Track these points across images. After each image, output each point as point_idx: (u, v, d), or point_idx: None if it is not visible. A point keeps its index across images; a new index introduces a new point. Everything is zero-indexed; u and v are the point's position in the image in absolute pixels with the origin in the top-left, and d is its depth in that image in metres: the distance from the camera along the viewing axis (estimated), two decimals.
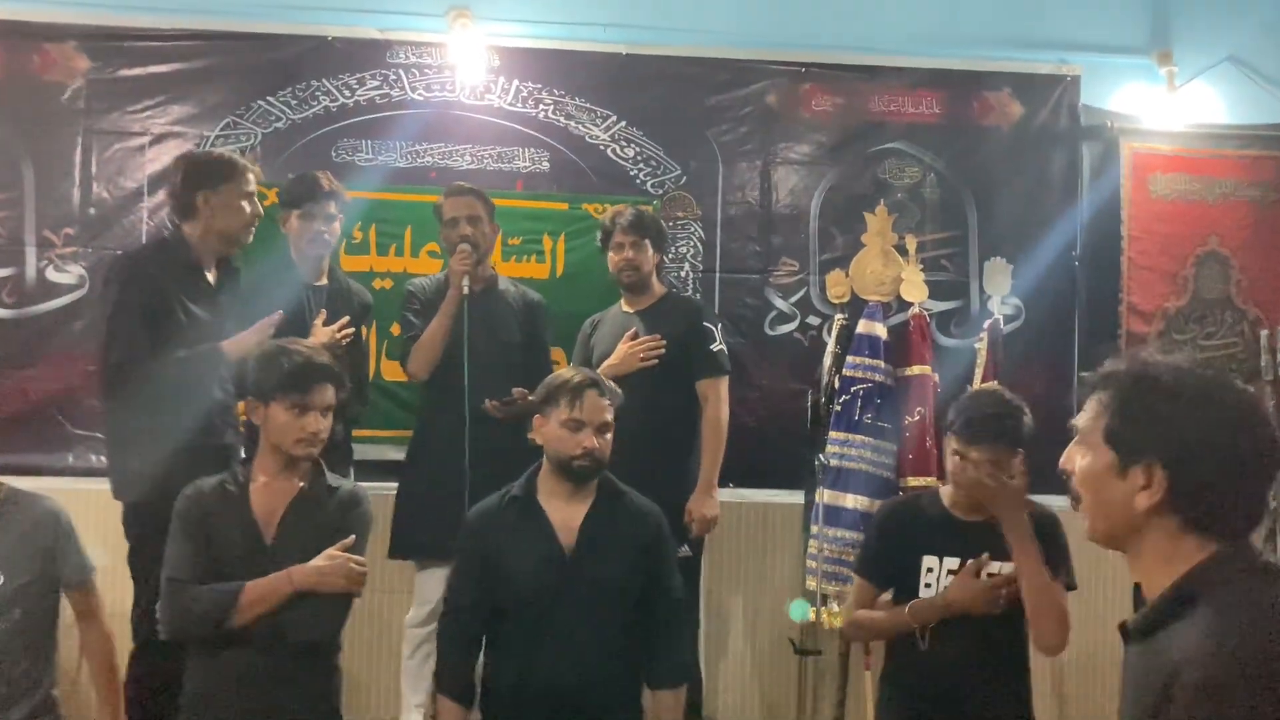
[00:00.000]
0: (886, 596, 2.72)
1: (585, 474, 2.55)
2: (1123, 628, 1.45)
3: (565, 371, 2.68)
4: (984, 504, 2.57)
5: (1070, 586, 2.67)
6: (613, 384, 2.65)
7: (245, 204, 3.03)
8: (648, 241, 3.50)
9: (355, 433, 3.48)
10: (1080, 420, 1.48)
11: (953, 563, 2.61)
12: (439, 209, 3.49)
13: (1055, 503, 4.02)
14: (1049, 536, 2.66)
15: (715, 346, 3.48)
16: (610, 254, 3.52)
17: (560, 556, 2.51)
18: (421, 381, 3.47)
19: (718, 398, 3.45)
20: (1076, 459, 1.47)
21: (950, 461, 2.62)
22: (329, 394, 2.47)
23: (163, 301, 2.89)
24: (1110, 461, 1.40)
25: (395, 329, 3.65)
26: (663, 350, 3.39)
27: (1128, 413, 1.40)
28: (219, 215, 3.00)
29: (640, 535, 2.61)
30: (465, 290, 3.35)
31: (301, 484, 2.48)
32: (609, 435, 2.58)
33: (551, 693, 2.46)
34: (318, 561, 2.38)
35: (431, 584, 3.39)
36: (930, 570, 2.62)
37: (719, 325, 3.58)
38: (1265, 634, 1.28)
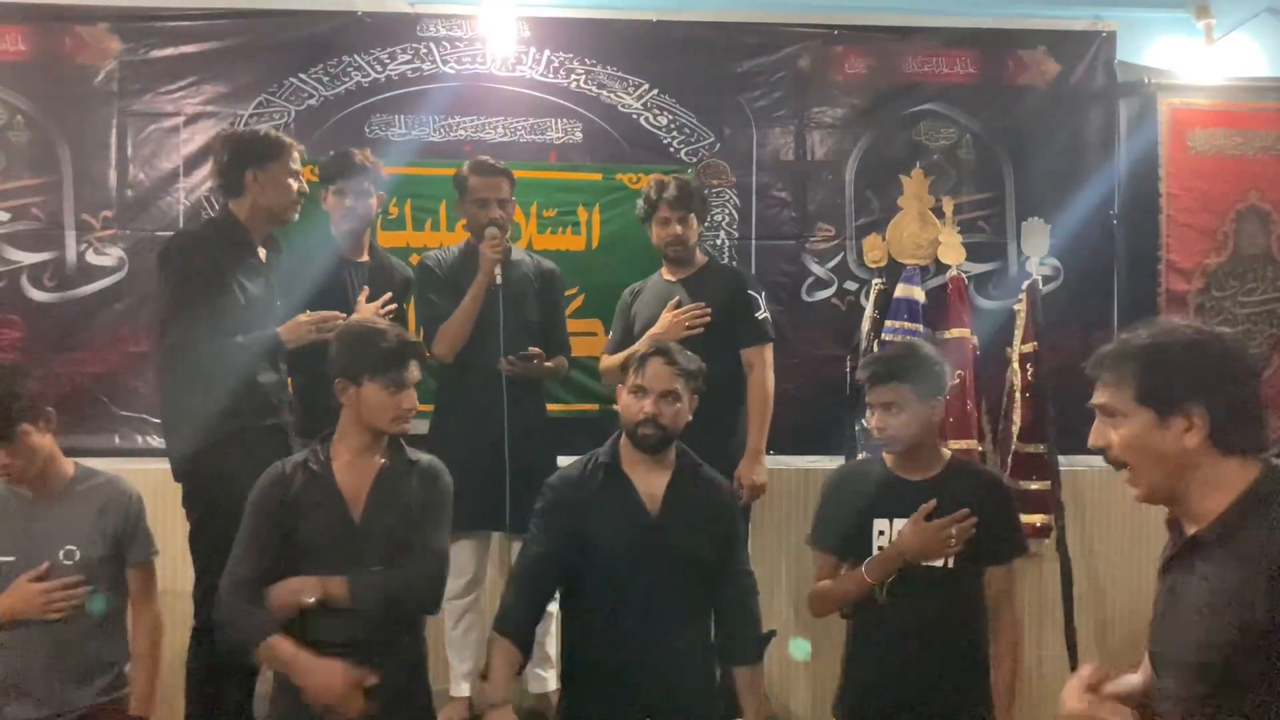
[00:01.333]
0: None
1: (649, 442, 2.57)
2: (1192, 540, 1.62)
3: (640, 344, 2.71)
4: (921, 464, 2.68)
5: (1021, 551, 2.77)
6: (688, 352, 2.66)
7: (292, 181, 3.04)
8: (693, 215, 3.49)
9: None
10: (1099, 399, 1.69)
11: (902, 524, 2.65)
12: (462, 181, 3.47)
13: (1094, 463, 4.11)
14: (996, 500, 2.73)
15: (760, 314, 3.47)
16: (655, 227, 3.51)
17: (647, 523, 2.53)
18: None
19: (763, 365, 3.45)
20: (1110, 433, 1.68)
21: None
22: (418, 371, 2.52)
23: (221, 280, 2.90)
24: (1150, 419, 1.63)
25: None
26: (708, 319, 3.38)
27: (1155, 372, 1.63)
28: (267, 192, 3.00)
29: (717, 508, 2.65)
30: (498, 280, 3.34)
31: (383, 460, 2.51)
32: (678, 405, 2.59)
33: (634, 660, 2.48)
34: None
35: (466, 556, 3.43)
36: (882, 533, 2.67)
37: (762, 293, 3.56)
38: None
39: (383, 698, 2.37)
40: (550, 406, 3.72)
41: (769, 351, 3.49)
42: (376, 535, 2.40)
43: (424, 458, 2.59)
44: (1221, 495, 1.60)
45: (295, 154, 3.06)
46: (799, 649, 3.25)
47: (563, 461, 3.13)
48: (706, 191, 3.94)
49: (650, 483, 2.58)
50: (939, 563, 2.63)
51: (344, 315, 3.02)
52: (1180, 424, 1.60)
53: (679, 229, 3.46)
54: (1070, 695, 1.75)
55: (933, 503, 2.61)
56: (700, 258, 3.59)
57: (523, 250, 3.67)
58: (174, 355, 2.88)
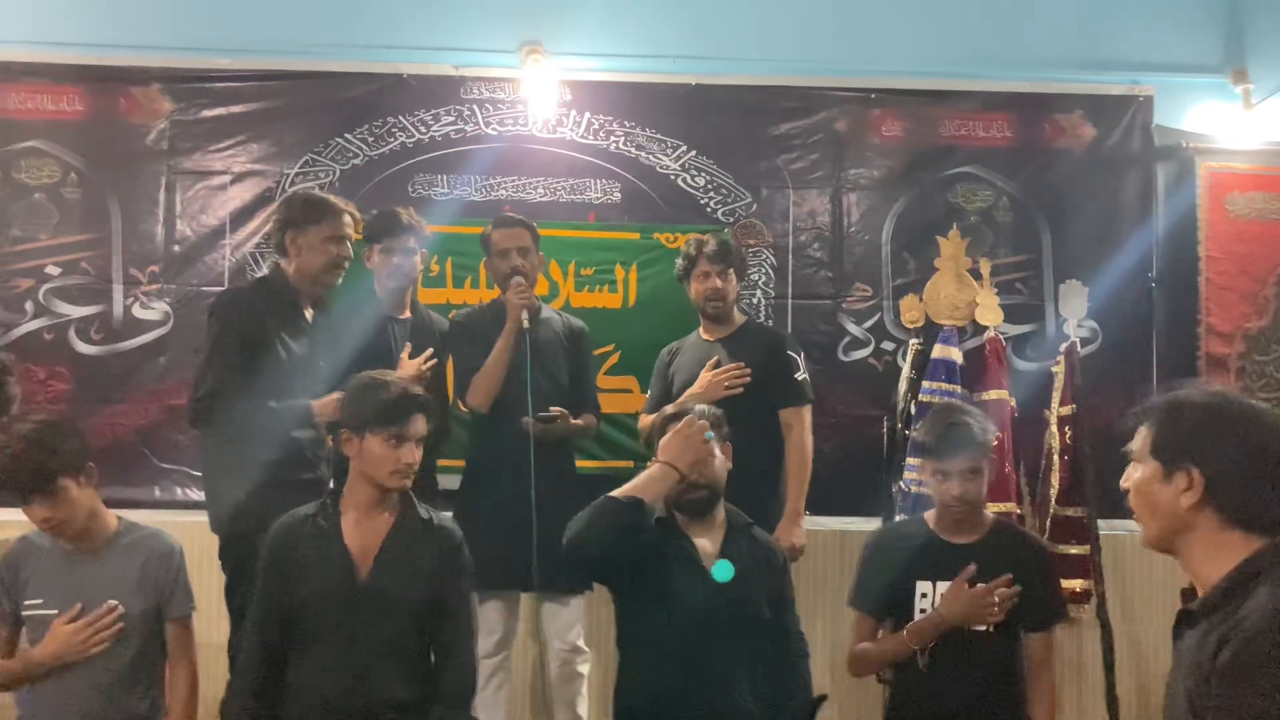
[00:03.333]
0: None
1: (698, 504, 2.56)
2: (1183, 614, 1.65)
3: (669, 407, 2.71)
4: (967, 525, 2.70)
5: (1062, 617, 2.80)
6: (702, 407, 2.67)
7: (332, 247, 3.08)
8: (732, 270, 3.52)
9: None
10: (1133, 445, 1.73)
11: (945, 586, 2.65)
12: (486, 240, 3.51)
13: (1134, 527, 4.05)
14: (1039, 565, 2.73)
15: (799, 375, 3.47)
16: (694, 284, 3.53)
17: (705, 579, 2.52)
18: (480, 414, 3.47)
19: (802, 426, 3.44)
20: (1133, 475, 1.71)
21: (932, 483, 2.70)
22: (422, 424, 2.49)
23: (263, 337, 2.94)
24: (1156, 470, 1.66)
25: None
26: (748, 379, 3.38)
27: (1166, 428, 1.66)
28: (304, 256, 3.06)
29: (770, 568, 2.64)
30: (526, 324, 3.37)
31: (393, 518, 2.49)
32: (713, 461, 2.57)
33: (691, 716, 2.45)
34: None
35: (495, 614, 3.40)
36: (924, 595, 2.68)
37: (801, 354, 3.57)
38: None
39: None
40: (584, 463, 3.72)
41: (808, 413, 3.48)
42: (382, 597, 2.35)
43: (438, 516, 2.57)
44: (1221, 564, 1.61)
45: (339, 220, 3.09)
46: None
47: None
48: (743, 250, 3.97)
49: (703, 541, 2.58)
50: (980, 627, 2.63)
51: None
52: (1181, 481, 1.62)
53: (719, 283, 3.49)
54: None
55: (973, 567, 2.62)
56: (739, 317, 3.61)
57: (553, 309, 3.70)
58: (205, 407, 2.91)
